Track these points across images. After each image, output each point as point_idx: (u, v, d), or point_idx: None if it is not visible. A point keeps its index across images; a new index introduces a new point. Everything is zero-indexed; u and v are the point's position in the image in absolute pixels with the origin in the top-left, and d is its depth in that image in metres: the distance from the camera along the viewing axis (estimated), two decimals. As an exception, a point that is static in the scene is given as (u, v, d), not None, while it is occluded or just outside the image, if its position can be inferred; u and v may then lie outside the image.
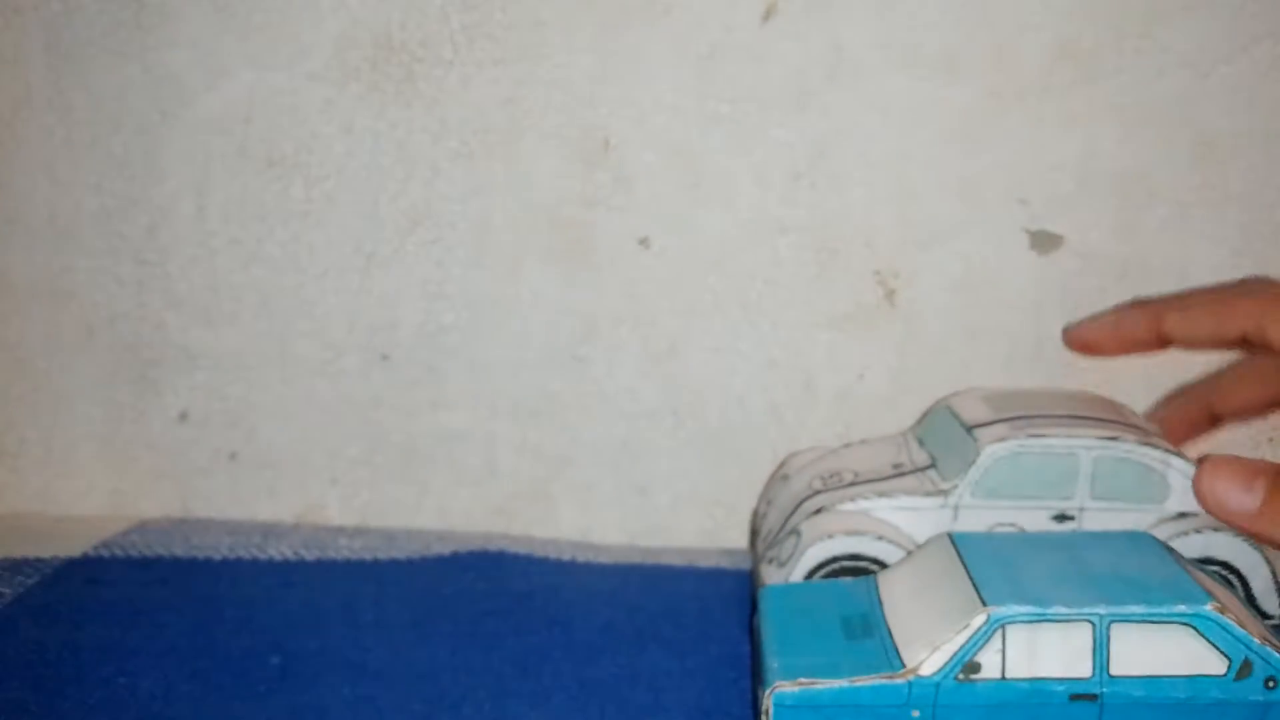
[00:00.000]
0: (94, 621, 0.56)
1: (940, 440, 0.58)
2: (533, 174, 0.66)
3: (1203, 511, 0.53)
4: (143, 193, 0.68)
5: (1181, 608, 0.41)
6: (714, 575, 0.63)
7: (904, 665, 0.42)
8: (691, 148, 0.65)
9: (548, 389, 0.69)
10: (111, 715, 0.49)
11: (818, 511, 0.55)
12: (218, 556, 0.64)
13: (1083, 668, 0.41)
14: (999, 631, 0.41)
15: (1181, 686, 0.41)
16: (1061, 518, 0.54)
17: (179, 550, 0.64)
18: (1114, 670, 0.41)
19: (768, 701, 0.42)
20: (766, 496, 0.62)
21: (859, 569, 0.53)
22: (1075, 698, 0.41)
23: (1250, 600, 0.53)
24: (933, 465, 0.57)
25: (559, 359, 0.69)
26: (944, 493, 0.54)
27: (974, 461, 0.54)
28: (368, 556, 0.64)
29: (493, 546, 0.65)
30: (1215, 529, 0.53)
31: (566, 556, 0.65)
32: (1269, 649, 0.41)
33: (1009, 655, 0.41)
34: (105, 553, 0.64)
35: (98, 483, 0.72)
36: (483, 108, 0.65)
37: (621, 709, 0.50)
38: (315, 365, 0.70)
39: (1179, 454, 0.54)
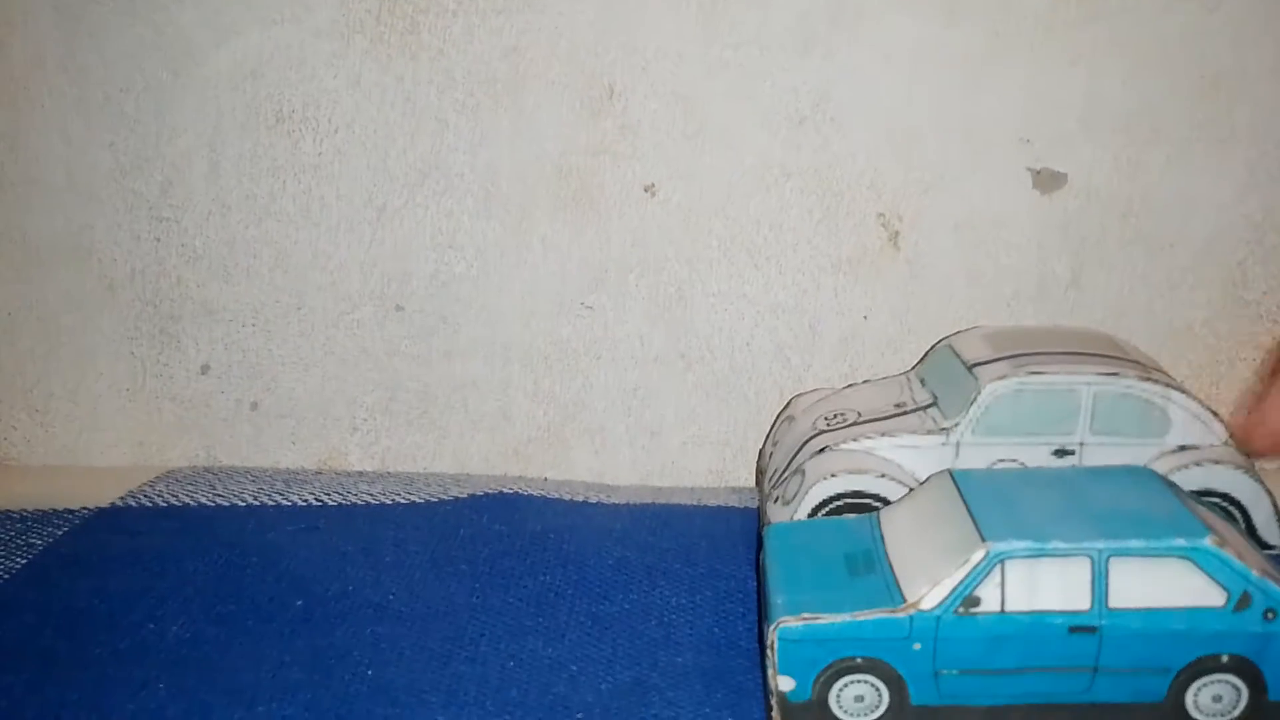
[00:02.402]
0: (122, 569, 0.58)
1: (942, 379, 0.59)
2: (538, 124, 0.67)
3: (1205, 444, 0.54)
4: (156, 151, 0.69)
5: (1180, 541, 0.42)
6: (723, 513, 0.64)
7: (905, 600, 0.43)
8: (696, 94, 0.66)
9: (558, 336, 0.70)
10: (141, 660, 0.50)
11: (821, 451, 0.56)
12: (242, 504, 0.66)
13: (1082, 601, 0.42)
14: (998, 566, 0.42)
15: (1180, 618, 0.42)
16: (1062, 453, 0.55)
17: (204, 498, 0.66)
18: (1113, 603, 0.42)
19: (773, 635, 0.43)
20: (773, 437, 0.63)
21: (862, 506, 0.54)
22: (1075, 630, 0.42)
23: (1251, 531, 0.54)
24: (934, 404, 0.57)
25: (569, 306, 0.70)
26: (945, 430, 0.55)
27: (975, 399, 0.54)
28: (387, 501, 0.66)
29: (508, 489, 0.67)
30: (1216, 461, 0.54)
31: (579, 497, 0.67)
32: (1268, 581, 0.42)
33: (1008, 589, 0.42)
34: (132, 502, 0.66)
35: (123, 435, 0.74)
36: (487, 58, 0.66)
37: (634, 643, 0.52)
38: (332, 316, 0.71)
39: (1180, 388, 0.55)
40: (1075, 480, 0.48)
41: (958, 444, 0.55)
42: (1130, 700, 0.42)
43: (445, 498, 0.66)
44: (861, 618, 0.42)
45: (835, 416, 0.59)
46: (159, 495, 0.67)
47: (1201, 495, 0.53)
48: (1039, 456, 0.55)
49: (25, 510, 0.65)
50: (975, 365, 0.56)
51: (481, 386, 0.72)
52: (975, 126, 0.65)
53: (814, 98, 0.65)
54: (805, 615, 0.43)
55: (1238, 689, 0.42)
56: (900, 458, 0.55)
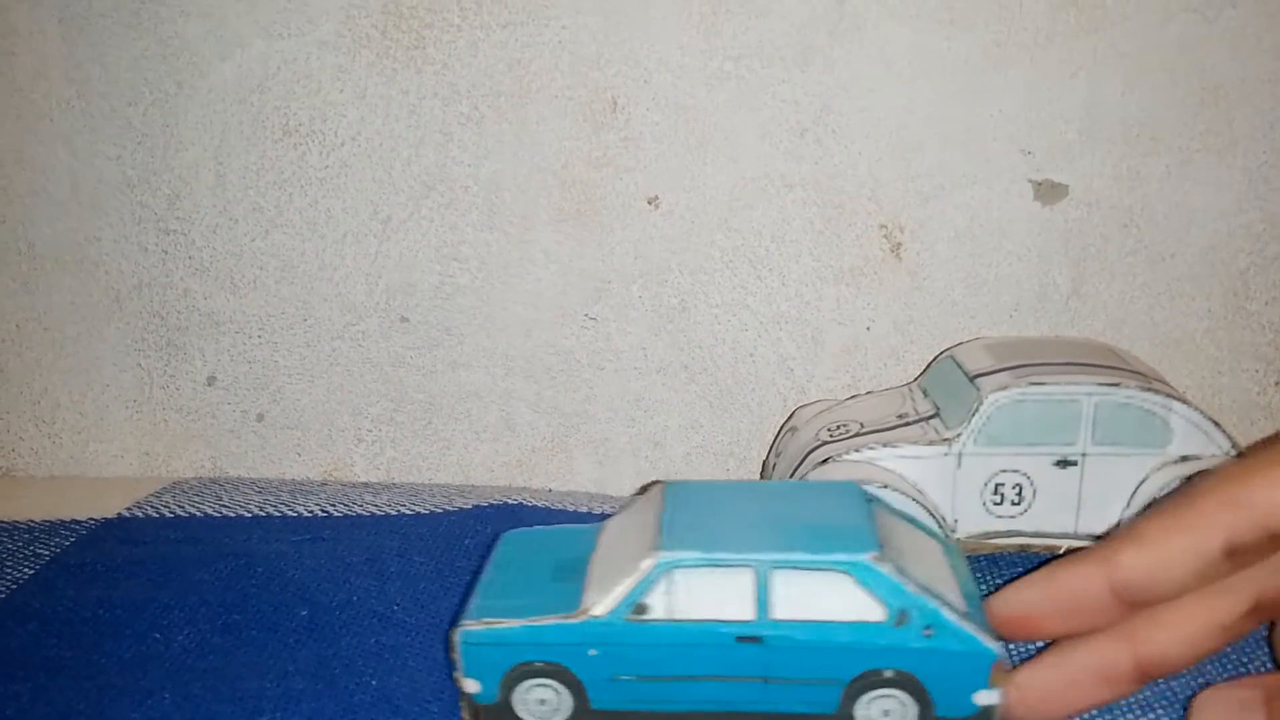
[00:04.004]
0: (129, 579, 0.58)
1: (944, 390, 0.59)
2: (542, 136, 0.67)
3: (1206, 455, 0.55)
4: (163, 162, 0.69)
5: (839, 556, 0.42)
6: (726, 525, 0.64)
7: (582, 606, 0.44)
8: (698, 106, 0.66)
9: (562, 347, 0.70)
10: (147, 669, 0.51)
11: (824, 462, 0.56)
12: (248, 514, 0.66)
13: (746, 611, 0.42)
14: (666, 575, 0.42)
15: (843, 632, 0.42)
16: (1064, 463, 0.55)
17: (210, 509, 0.66)
18: (776, 614, 0.42)
19: (455, 638, 0.44)
20: (776, 448, 0.63)
21: (864, 516, 0.54)
22: (742, 640, 0.42)
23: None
24: (937, 415, 0.58)
25: (572, 318, 0.70)
26: (948, 441, 0.55)
27: (976, 410, 0.55)
28: (392, 511, 0.66)
29: (512, 500, 0.67)
30: (1218, 472, 0.54)
31: (583, 508, 0.66)
32: (925, 599, 0.42)
33: (677, 598, 0.42)
34: (139, 513, 0.66)
35: (130, 445, 0.75)
36: (491, 71, 0.66)
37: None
38: (337, 328, 0.71)
39: (1181, 398, 0.55)
40: (781, 495, 0.48)
41: (960, 454, 0.55)
42: (804, 711, 0.43)
43: (449, 508, 0.66)
44: (539, 623, 0.43)
45: (838, 427, 0.59)
46: (165, 506, 0.67)
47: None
48: (1040, 467, 0.55)
49: (32, 521, 0.65)
50: (977, 376, 0.56)
51: (485, 397, 0.72)
52: (976, 137, 0.65)
53: (815, 109, 0.66)
54: (486, 620, 0.44)
55: (904, 703, 0.42)
56: (903, 468, 0.55)
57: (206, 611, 0.55)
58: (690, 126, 0.66)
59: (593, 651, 0.43)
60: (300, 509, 0.66)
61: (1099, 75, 0.64)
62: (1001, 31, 0.64)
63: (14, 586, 0.58)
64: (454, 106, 0.67)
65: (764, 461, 0.65)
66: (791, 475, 0.58)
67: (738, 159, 0.67)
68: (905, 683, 0.42)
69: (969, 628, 0.41)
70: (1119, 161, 0.65)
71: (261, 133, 0.68)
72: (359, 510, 0.66)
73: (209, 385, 0.73)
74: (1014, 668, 0.42)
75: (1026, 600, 0.42)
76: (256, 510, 0.66)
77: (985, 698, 0.42)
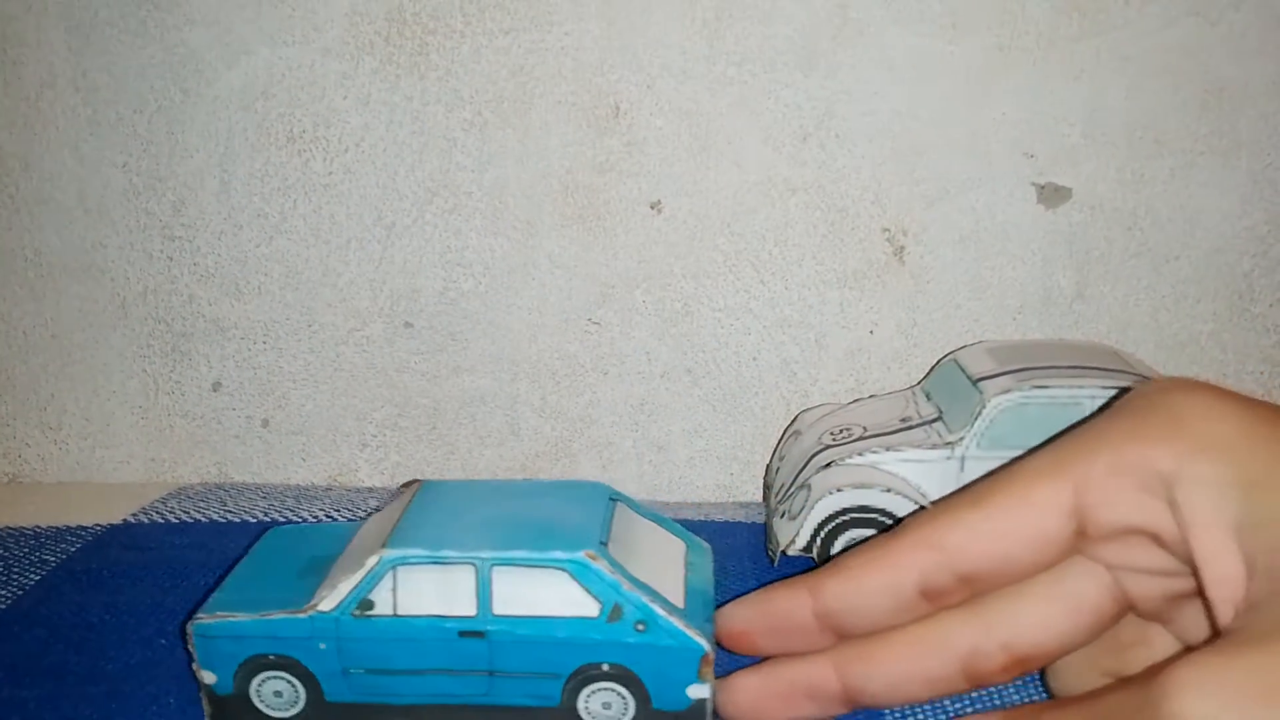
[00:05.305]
0: (135, 585, 0.58)
1: (947, 393, 0.59)
2: (545, 141, 0.67)
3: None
4: (168, 170, 0.69)
5: (557, 554, 0.43)
6: (729, 528, 0.64)
7: (311, 602, 0.45)
8: (700, 111, 0.66)
9: (566, 351, 0.71)
10: (153, 674, 0.51)
11: (827, 466, 0.56)
12: (253, 520, 0.66)
13: (469, 607, 0.44)
14: (390, 572, 0.44)
15: (561, 627, 0.43)
16: (1068, 467, 0.55)
17: (215, 515, 0.67)
18: (498, 610, 0.44)
19: (189, 631, 0.45)
20: (779, 452, 0.63)
21: (868, 521, 0.55)
22: (465, 634, 0.44)
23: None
24: (940, 418, 0.58)
25: (576, 322, 0.70)
26: (950, 444, 0.55)
27: (979, 413, 0.55)
28: (396, 517, 0.66)
29: (516, 505, 0.67)
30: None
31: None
32: (637, 595, 0.43)
33: (401, 594, 0.44)
34: (145, 518, 0.66)
35: (136, 451, 0.75)
36: (494, 77, 0.66)
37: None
38: (341, 333, 0.72)
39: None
40: (522, 494, 0.49)
41: (963, 458, 0.55)
42: (529, 704, 0.44)
43: (454, 513, 0.66)
44: (268, 617, 0.45)
45: (841, 431, 0.59)
46: (171, 511, 0.67)
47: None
48: (1044, 470, 0.55)
49: (39, 527, 0.65)
50: (980, 379, 0.56)
51: (489, 402, 0.72)
52: (979, 140, 0.65)
53: (818, 113, 0.66)
54: (219, 613, 0.45)
55: (623, 696, 0.44)
56: (906, 472, 0.55)
57: (212, 617, 0.55)
58: (693, 131, 0.66)
59: (323, 645, 0.44)
60: (305, 514, 0.66)
61: (1102, 78, 0.64)
62: (1004, 35, 0.64)
63: (20, 592, 0.58)
64: (457, 113, 0.67)
65: (767, 465, 0.65)
66: (795, 479, 0.58)
67: (741, 163, 0.67)
68: (622, 676, 0.43)
69: (679, 624, 0.43)
70: (1122, 164, 0.65)
71: (266, 139, 0.68)
72: (364, 515, 0.66)
73: (214, 391, 0.73)
74: (729, 672, 0.44)
75: (742, 617, 0.44)
76: (262, 516, 0.66)
77: (697, 691, 0.43)
